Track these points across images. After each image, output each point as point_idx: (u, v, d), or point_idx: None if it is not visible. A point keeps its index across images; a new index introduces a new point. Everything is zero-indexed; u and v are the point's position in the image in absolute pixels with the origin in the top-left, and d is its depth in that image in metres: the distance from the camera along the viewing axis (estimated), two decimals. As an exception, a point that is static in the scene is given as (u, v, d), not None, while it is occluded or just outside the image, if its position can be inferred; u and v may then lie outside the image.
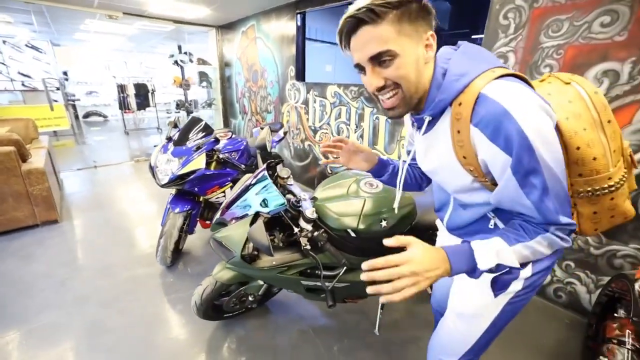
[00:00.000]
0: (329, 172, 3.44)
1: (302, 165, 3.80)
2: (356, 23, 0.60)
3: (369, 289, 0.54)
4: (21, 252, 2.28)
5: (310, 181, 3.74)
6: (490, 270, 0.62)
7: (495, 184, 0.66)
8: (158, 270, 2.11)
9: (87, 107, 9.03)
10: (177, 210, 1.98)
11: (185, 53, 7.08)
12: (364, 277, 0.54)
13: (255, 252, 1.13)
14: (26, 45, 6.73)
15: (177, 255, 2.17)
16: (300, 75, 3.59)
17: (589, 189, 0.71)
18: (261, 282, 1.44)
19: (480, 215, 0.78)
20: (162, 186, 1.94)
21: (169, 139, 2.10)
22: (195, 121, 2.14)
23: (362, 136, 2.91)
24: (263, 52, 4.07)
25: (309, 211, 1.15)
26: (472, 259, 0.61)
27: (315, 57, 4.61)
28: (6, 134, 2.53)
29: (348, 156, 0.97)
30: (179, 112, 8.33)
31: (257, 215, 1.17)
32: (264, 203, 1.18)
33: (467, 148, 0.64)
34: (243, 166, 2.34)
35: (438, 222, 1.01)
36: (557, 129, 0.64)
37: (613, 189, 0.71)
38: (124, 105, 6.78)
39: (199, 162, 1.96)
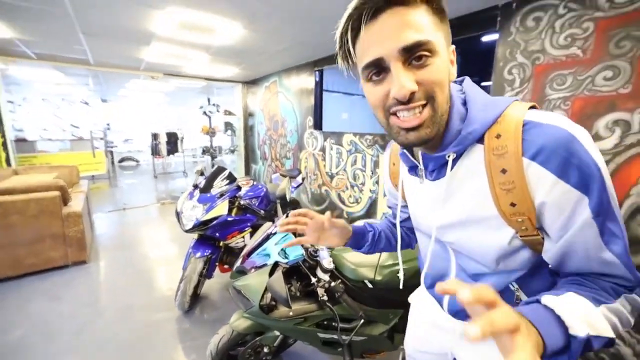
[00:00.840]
0: (346, 216, 3.47)
1: (319, 210, 3.86)
2: (381, 3, 0.44)
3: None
4: (50, 291, 2.39)
5: (328, 225, 3.76)
6: (587, 347, 0.40)
7: (543, 241, 0.50)
8: (175, 315, 2.13)
9: (123, 153, 9.84)
10: (199, 254, 2.06)
11: (214, 105, 7.78)
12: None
13: (273, 303, 1.15)
14: (80, 102, 7.66)
15: (194, 299, 2.19)
16: (318, 124, 3.82)
17: None
18: (277, 333, 1.43)
19: (501, 288, 0.58)
20: (186, 231, 2.04)
21: (195, 186, 2.26)
22: (220, 170, 2.31)
23: (377, 182, 2.98)
24: (284, 104, 4.41)
25: (326, 261, 1.18)
26: (560, 324, 0.39)
27: (332, 107, 4.94)
28: (54, 181, 2.80)
29: (316, 234, 0.75)
30: (203, 157, 8.87)
31: (276, 264, 1.22)
32: (283, 253, 1.23)
33: (520, 191, 0.47)
34: (262, 212, 2.43)
35: (423, 305, 0.80)
36: None
37: None
38: (155, 151, 7.34)
39: (221, 208, 2.07)
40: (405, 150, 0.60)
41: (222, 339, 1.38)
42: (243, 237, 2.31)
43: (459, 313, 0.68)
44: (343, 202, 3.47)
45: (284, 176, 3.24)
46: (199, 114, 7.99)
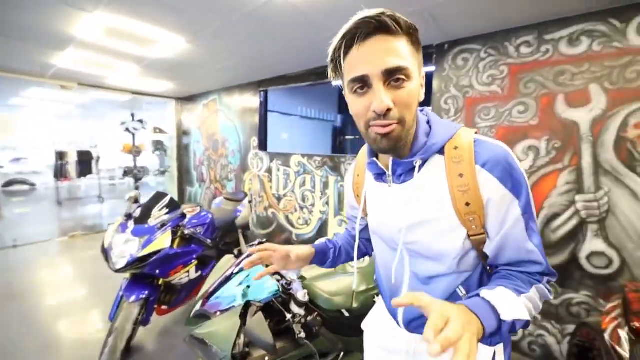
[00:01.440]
0: (295, 239, 3.38)
1: (266, 233, 3.69)
2: (372, 29, 0.52)
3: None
4: None
5: (276, 249, 3.60)
6: (512, 329, 0.53)
7: (485, 241, 0.61)
8: (98, 379, 1.71)
9: (10, 175, 7.96)
10: (133, 298, 1.72)
11: (139, 121, 6.96)
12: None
13: (247, 350, 1.00)
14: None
15: (126, 355, 1.80)
16: (264, 145, 3.72)
17: None
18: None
19: (449, 292, 0.66)
20: (117, 271, 1.70)
21: (129, 215, 1.92)
22: (160, 196, 2.02)
23: (327, 203, 3.00)
24: (225, 123, 4.20)
25: (301, 294, 1.09)
26: (494, 311, 0.51)
27: (272, 127, 4.90)
28: None
29: (283, 262, 0.81)
30: (124, 179, 7.79)
31: (247, 304, 1.07)
32: (246, 291, 1.09)
33: (473, 193, 0.58)
34: (209, 241, 2.18)
35: (377, 329, 0.85)
36: None
37: None
38: (60, 173, 6.14)
39: (162, 241, 1.80)
40: (374, 159, 0.68)
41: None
42: (188, 271, 2.02)
43: (413, 324, 0.73)
44: (292, 225, 3.38)
45: (229, 200, 3.02)
46: (120, 130, 7.05)
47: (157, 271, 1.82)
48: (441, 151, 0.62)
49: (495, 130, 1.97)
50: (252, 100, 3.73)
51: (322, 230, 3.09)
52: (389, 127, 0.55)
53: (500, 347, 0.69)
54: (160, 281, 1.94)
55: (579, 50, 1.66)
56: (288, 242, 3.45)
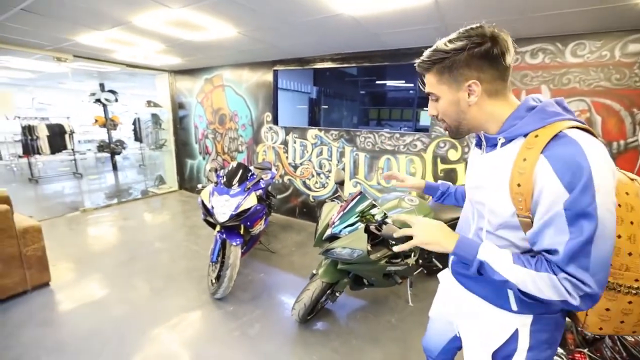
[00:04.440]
0: (312, 200, 4.04)
1: (283, 197, 4.28)
2: (423, 70, 0.80)
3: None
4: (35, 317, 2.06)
5: (292, 210, 4.25)
6: (482, 269, 0.71)
7: (532, 225, 0.67)
8: (211, 305, 2.28)
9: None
10: (237, 242, 2.27)
11: (112, 91, 6.62)
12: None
13: (369, 249, 1.70)
14: None
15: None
16: (276, 120, 4.18)
17: (612, 281, 0.72)
18: (346, 280, 1.96)
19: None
20: (222, 223, 2.23)
21: (216, 183, 2.40)
22: (239, 166, 2.52)
23: (344, 169, 3.68)
24: (233, 98, 4.48)
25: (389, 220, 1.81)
26: (475, 251, 0.71)
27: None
28: (-7, 192, 2.25)
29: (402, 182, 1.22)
30: (96, 153, 7.46)
31: (366, 228, 1.75)
32: (369, 216, 1.79)
33: (527, 177, 0.65)
34: (272, 199, 2.76)
35: (446, 281, 1.04)
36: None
37: (635, 291, 0.72)
38: (32, 149, 5.75)
39: (251, 200, 2.34)
40: (478, 133, 0.84)
41: (314, 291, 1.83)
42: (261, 223, 2.60)
43: (455, 267, 0.96)
44: (309, 188, 4.03)
45: (259, 169, 3.53)
46: (88, 102, 6.62)
47: (248, 223, 2.38)
48: (527, 135, 0.69)
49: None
50: (265, 78, 4.09)
51: (337, 192, 3.80)
52: (443, 125, 0.84)
53: (525, 325, 0.79)
54: (242, 231, 2.50)
55: (536, 61, 2.50)
56: (305, 204, 4.10)
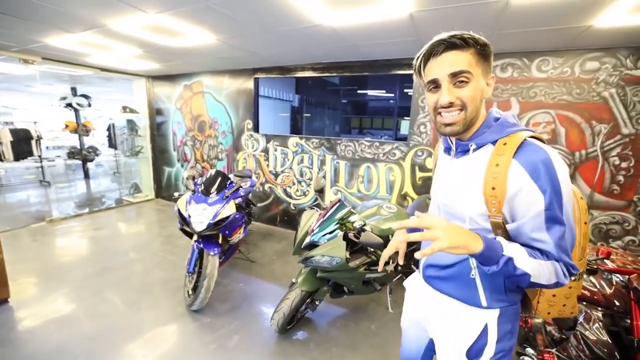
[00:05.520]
0: (293, 208, 4.02)
1: (263, 206, 4.23)
2: (444, 47, 0.72)
3: (417, 254, 0.69)
4: None
5: (272, 219, 4.20)
6: (505, 266, 0.66)
7: (503, 225, 0.73)
8: (186, 316, 2.20)
9: None
10: (215, 251, 2.21)
11: (84, 96, 6.36)
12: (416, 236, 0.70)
13: (348, 257, 1.70)
14: None
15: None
16: (257, 128, 4.15)
17: None
18: (326, 288, 1.95)
19: (464, 257, 0.83)
20: (199, 233, 2.17)
21: (193, 191, 2.34)
22: (218, 173, 2.47)
23: (324, 177, 3.70)
24: (213, 105, 4.42)
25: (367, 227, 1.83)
26: (500, 248, 0.67)
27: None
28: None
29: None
30: (66, 160, 7.10)
31: (344, 235, 1.76)
32: (347, 224, 1.80)
33: (501, 181, 0.70)
34: (251, 207, 2.72)
35: (414, 287, 1.05)
36: None
37: (573, 277, 0.81)
38: (-8, 156, 5.38)
39: (231, 207, 2.30)
40: (446, 137, 0.88)
41: (294, 300, 1.80)
42: (240, 232, 2.56)
43: (427, 272, 0.96)
44: (289, 196, 4.00)
45: (239, 176, 3.48)
46: (58, 106, 6.32)
47: (227, 232, 2.33)
48: (494, 143, 0.75)
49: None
50: (246, 85, 4.07)
51: (317, 200, 3.80)
52: (451, 117, 0.75)
53: (493, 319, 0.83)
54: (220, 240, 2.44)
55: (506, 75, 2.65)
56: (286, 212, 4.07)
